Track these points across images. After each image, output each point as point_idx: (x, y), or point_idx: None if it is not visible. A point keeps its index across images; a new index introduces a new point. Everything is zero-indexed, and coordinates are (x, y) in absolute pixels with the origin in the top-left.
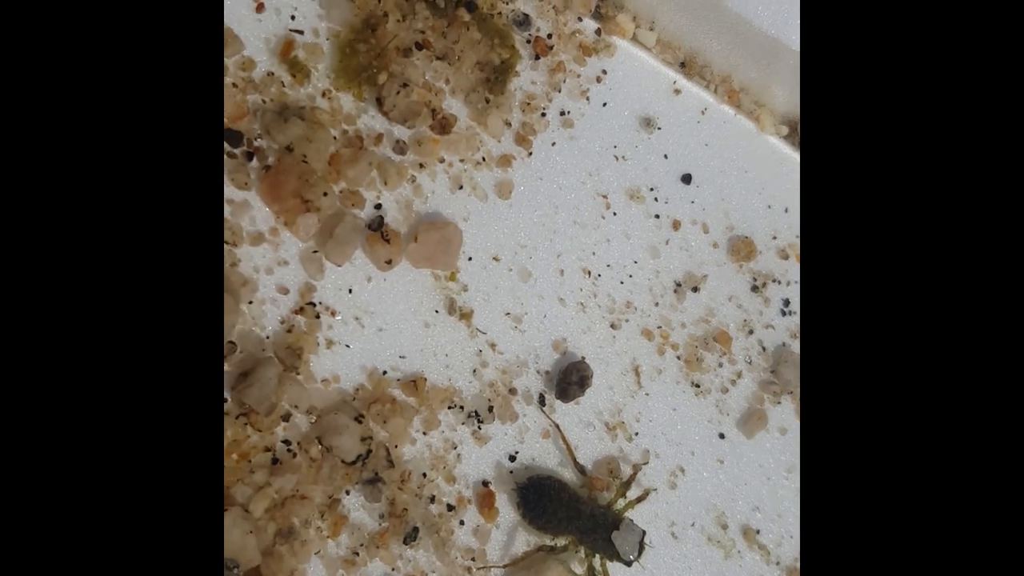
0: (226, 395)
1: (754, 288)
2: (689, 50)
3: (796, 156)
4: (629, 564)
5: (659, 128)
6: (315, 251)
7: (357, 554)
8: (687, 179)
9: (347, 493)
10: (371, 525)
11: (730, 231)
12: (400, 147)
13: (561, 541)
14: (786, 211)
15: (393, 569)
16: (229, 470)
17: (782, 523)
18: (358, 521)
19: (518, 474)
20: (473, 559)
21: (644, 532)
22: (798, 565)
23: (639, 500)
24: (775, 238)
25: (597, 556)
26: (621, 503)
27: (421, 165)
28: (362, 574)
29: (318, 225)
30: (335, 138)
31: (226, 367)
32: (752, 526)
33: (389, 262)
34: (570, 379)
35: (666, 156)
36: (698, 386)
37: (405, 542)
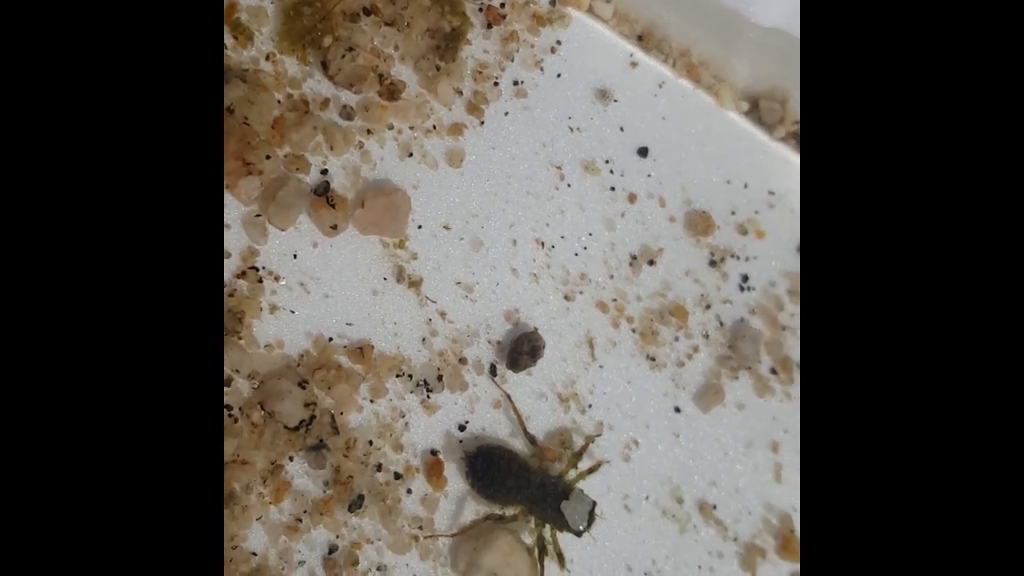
0: None
1: (712, 263)
2: (647, 23)
3: (756, 132)
4: (579, 535)
5: (615, 100)
6: (258, 215)
7: (300, 520)
8: (643, 152)
9: (290, 459)
10: (315, 492)
11: (688, 205)
12: (347, 112)
13: (510, 511)
14: (745, 187)
15: (338, 536)
16: None
17: (740, 499)
18: (302, 488)
19: (467, 443)
20: (420, 527)
21: (594, 503)
22: (756, 541)
23: (591, 471)
24: (734, 213)
25: (547, 526)
26: (572, 474)
27: (369, 131)
28: (305, 541)
29: (260, 189)
30: (279, 102)
31: None
32: (709, 501)
33: (335, 227)
34: (521, 349)
35: (622, 128)
36: (653, 359)
37: (350, 509)
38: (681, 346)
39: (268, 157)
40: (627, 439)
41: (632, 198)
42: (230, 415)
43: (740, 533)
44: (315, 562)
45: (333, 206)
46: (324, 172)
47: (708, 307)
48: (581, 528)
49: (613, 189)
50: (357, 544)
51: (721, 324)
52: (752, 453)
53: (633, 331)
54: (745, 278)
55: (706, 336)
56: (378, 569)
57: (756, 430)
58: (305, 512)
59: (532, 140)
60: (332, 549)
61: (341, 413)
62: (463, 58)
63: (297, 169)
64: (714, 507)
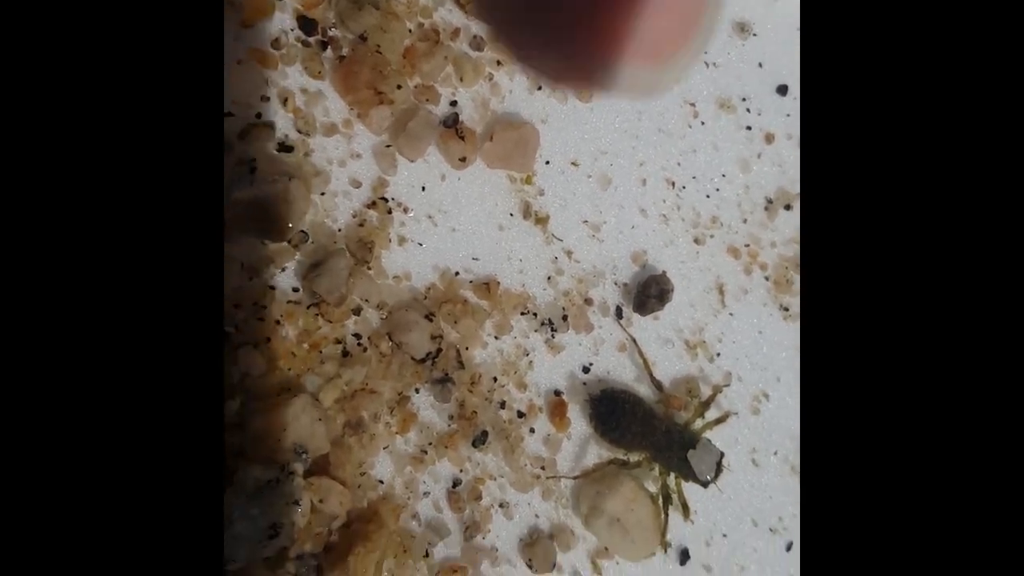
0: (297, 285)
1: None
2: None
3: None
4: (705, 485)
5: (754, 35)
6: (388, 145)
7: (425, 452)
8: (783, 90)
9: (416, 391)
10: (440, 425)
11: None
12: (477, 43)
13: (634, 457)
14: None
15: (461, 471)
16: (300, 359)
17: None
18: (427, 420)
19: (591, 386)
20: (543, 468)
21: (722, 453)
22: None
23: (718, 422)
24: None
25: (672, 475)
26: (699, 423)
27: (498, 63)
28: (430, 473)
29: (391, 119)
30: (410, 31)
31: (297, 256)
32: None
33: (463, 160)
34: (649, 292)
35: (761, 65)
36: (787, 309)
37: (474, 445)
38: None
39: (399, 87)
40: (756, 391)
41: (769, 138)
42: (359, 344)
43: None
44: (439, 494)
45: (462, 138)
46: (453, 104)
47: None
48: (708, 478)
49: (749, 128)
50: (480, 479)
51: None
52: None
53: (766, 279)
54: None
55: None
56: (500, 505)
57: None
58: (430, 444)
59: None
60: (456, 483)
61: (467, 348)
62: None
63: (427, 100)
64: None
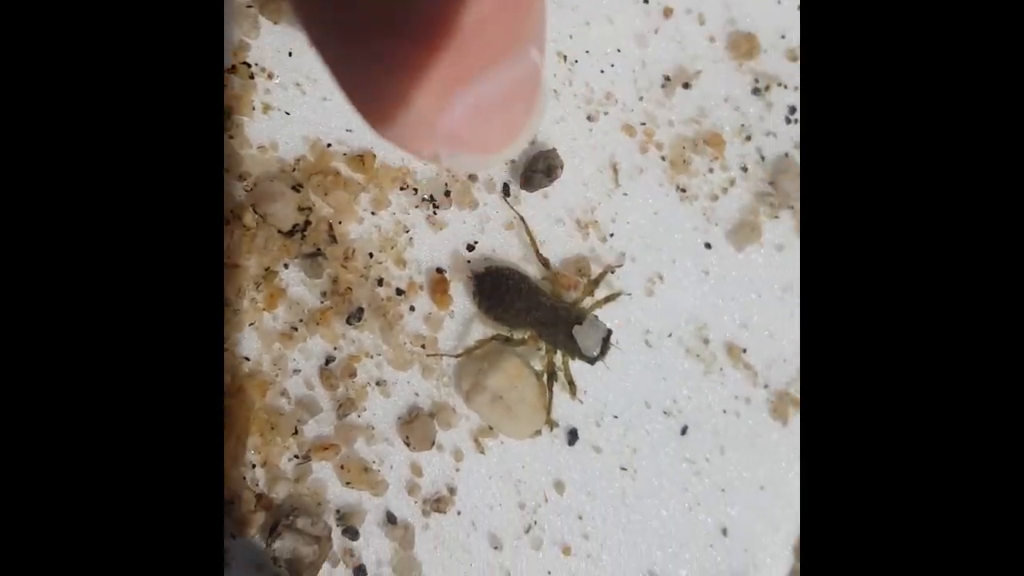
0: None
1: (755, 91)
2: None
3: None
4: (592, 362)
5: None
6: (248, 6)
7: (295, 329)
8: None
9: (285, 267)
10: (312, 302)
11: (731, 24)
12: None
13: (519, 334)
14: (798, 8)
15: (335, 348)
16: None
17: (773, 344)
18: (297, 296)
19: (476, 263)
20: (423, 346)
21: (610, 330)
22: (790, 390)
23: (608, 300)
24: (783, 37)
25: (558, 352)
26: (588, 302)
27: None
28: (301, 350)
29: None
30: None
31: None
32: (738, 344)
33: None
34: (536, 167)
35: None
36: (684, 190)
37: (348, 322)
38: (715, 178)
39: None
40: (651, 272)
41: (668, 12)
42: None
43: (771, 380)
44: (311, 371)
45: None
46: None
47: (748, 138)
48: (594, 355)
49: (646, 1)
50: (355, 357)
51: (762, 158)
52: (789, 297)
53: (662, 159)
54: (792, 109)
55: (744, 169)
56: (377, 383)
57: (795, 273)
58: (301, 321)
59: None
60: (329, 360)
61: (340, 222)
62: None
63: None
64: (744, 351)
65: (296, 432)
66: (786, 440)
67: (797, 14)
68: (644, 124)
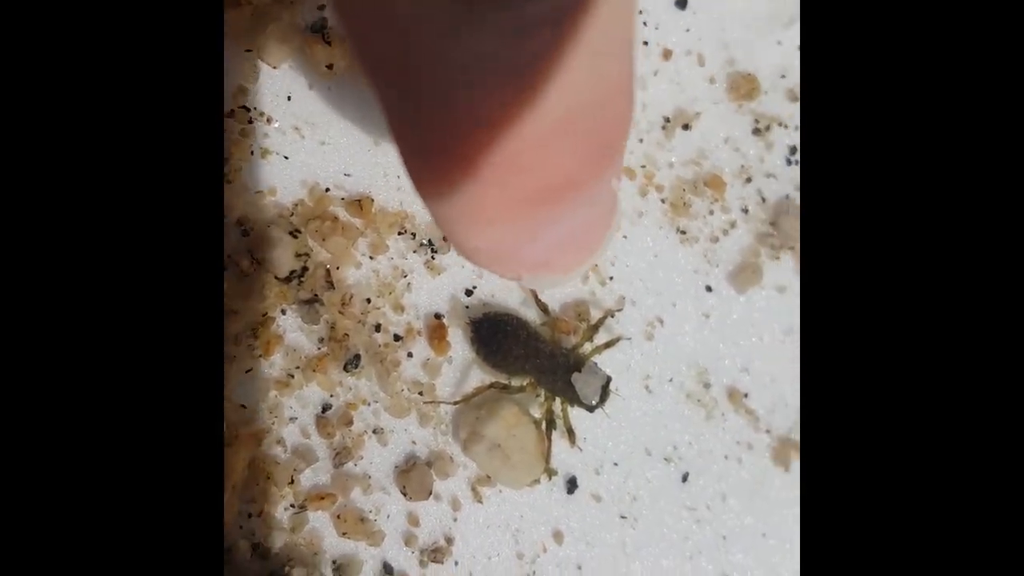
0: None
1: (756, 131)
2: None
3: None
4: (591, 410)
5: None
6: (247, 50)
7: (292, 376)
8: (682, 3)
9: (283, 313)
10: (309, 348)
11: (730, 65)
12: None
13: (518, 381)
14: (798, 48)
15: (332, 395)
16: None
17: (775, 388)
18: (294, 343)
19: (474, 309)
20: (421, 393)
21: (609, 377)
22: (792, 435)
23: (607, 346)
24: (784, 77)
25: (557, 400)
26: (587, 348)
27: None
28: (297, 397)
29: (249, 20)
30: None
31: None
32: (739, 388)
33: (330, 67)
34: None
35: None
36: (684, 233)
37: (346, 369)
38: (716, 220)
39: None
40: (651, 316)
41: (667, 54)
42: None
43: (773, 425)
44: (307, 419)
45: (329, 44)
46: (321, 8)
47: (749, 180)
48: (593, 403)
49: (646, 44)
50: (353, 404)
51: (763, 199)
52: (791, 340)
53: (663, 201)
54: (793, 150)
55: (745, 211)
56: (374, 431)
57: (797, 316)
58: (298, 368)
59: None
60: (326, 408)
61: (337, 268)
62: None
63: (291, 2)
64: (745, 395)
65: (292, 481)
66: (788, 486)
67: (797, 54)
68: (644, 167)
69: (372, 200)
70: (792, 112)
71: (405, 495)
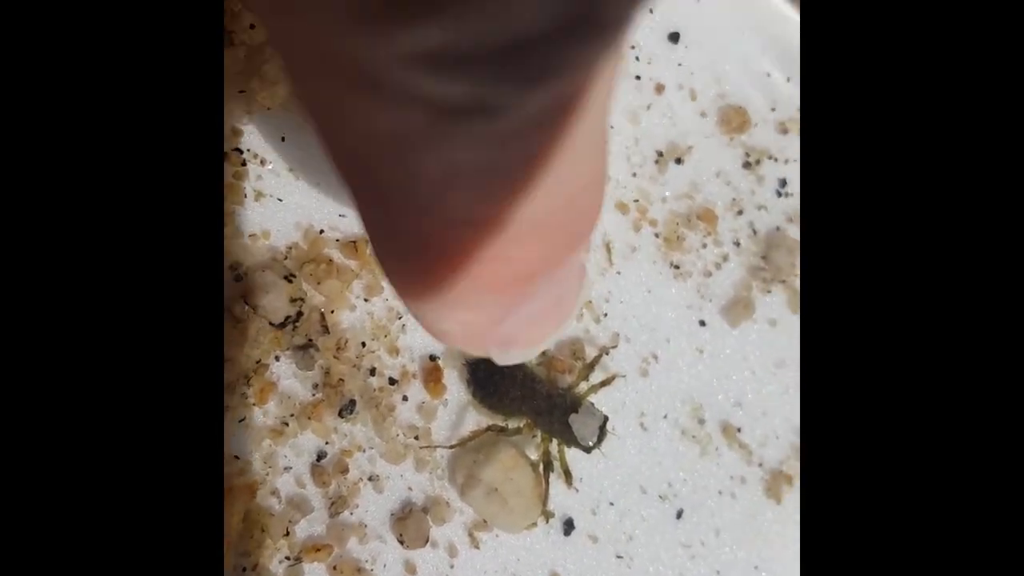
0: None
1: (746, 164)
2: None
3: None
4: (588, 451)
5: None
6: (241, 91)
7: (287, 424)
8: (674, 38)
9: (276, 359)
10: (303, 395)
11: (722, 99)
12: None
13: (514, 423)
14: (788, 81)
15: (327, 443)
16: None
17: (767, 422)
18: (288, 390)
19: None
20: (416, 437)
21: (606, 418)
22: (784, 468)
23: (603, 384)
24: (774, 110)
25: (554, 441)
26: (583, 387)
27: None
28: (292, 446)
29: (243, 62)
30: None
31: None
32: (733, 423)
33: None
34: None
35: (651, 11)
36: (677, 267)
37: (341, 415)
38: (709, 254)
39: (252, 27)
40: (645, 353)
41: (659, 89)
42: None
43: (766, 459)
44: (302, 468)
45: None
46: None
47: (740, 212)
48: (591, 444)
49: (639, 78)
50: (348, 451)
51: (754, 232)
52: (783, 373)
53: (656, 235)
54: (783, 183)
55: (737, 244)
56: (370, 479)
57: (788, 349)
58: (292, 416)
59: None
60: (320, 456)
61: (332, 311)
62: None
63: None
64: (739, 430)
65: (287, 533)
66: (780, 519)
67: (787, 86)
68: (637, 201)
69: (367, 241)
70: (782, 145)
71: (402, 543)
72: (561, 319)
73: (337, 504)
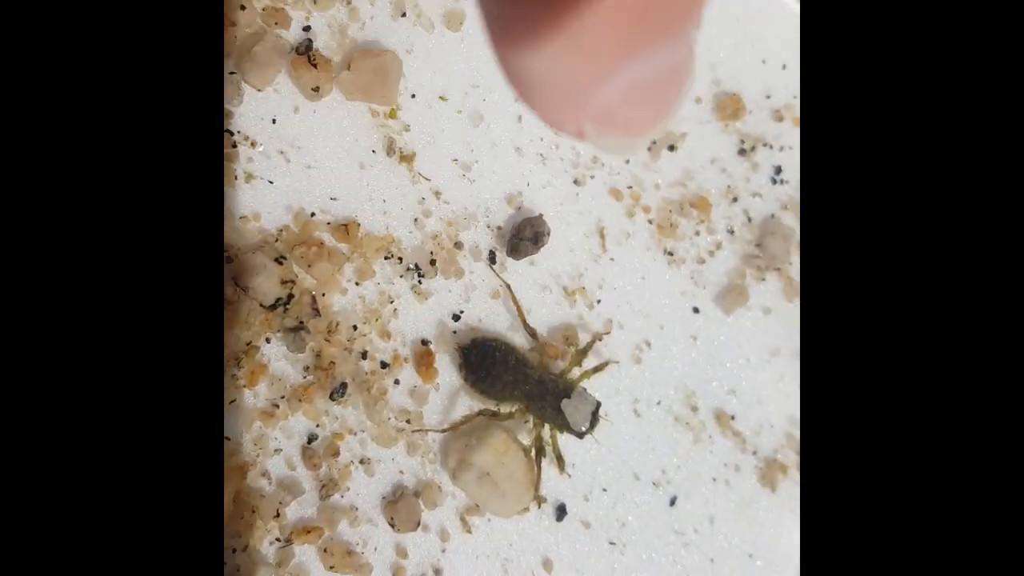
0: None
1: (741, 151)
2: None
3: (797, 6)
4: (581, 436)
5: None
6: (231, 72)
7: (277, 406)
8: None
9: (267, 341)
10: (294, 377)
11: (716, 86)
12: None
13: (506, 408)
14: (784, 68)
15: (318, 425)
16: None
17: (761, 410)
18: (279, 372)
19: (462, 335)
20: (408, 421)
21: (599, 403)
22: (778, 456)
23: (596, 370)
24: (769, 97)
25: (546, 426)
26: (576, 372)
27: None
28: (282, 428)
29: (235, 43)
30: None
31: None
32: (726, 411)
33: (316, 90)
34: (523, 234)
35: None
36: (671, 254)
37: (332, 398)
38: (702, 241)
39: (243, 7)
40: (639, 339)
41: None
42: None
43: (760, 447)
44: (293, 451)
45: (315, 66)
46: (307, 29)
47: (735, 200)
48: (583, 429)
49: None
50: (339, 434)
51: (749, 219)
52: (777, 361)
53: (650, 222)
54: (778, 170)
55: (731, 231)
56: (361, 462)
57: (783, 337)
58: (283, 398)
59: None
60: (311, 438)
61: (323, 294)
62: None
63: (276, 24)
64: (732, 417)
65: (278, 515)
66: (775, 507)
67: (782, 73)
68: (631, 187)
69: (358, 224)
70: (777, 132)
71: (393, 526)
72: (663, 105)
73: (328, 487)
